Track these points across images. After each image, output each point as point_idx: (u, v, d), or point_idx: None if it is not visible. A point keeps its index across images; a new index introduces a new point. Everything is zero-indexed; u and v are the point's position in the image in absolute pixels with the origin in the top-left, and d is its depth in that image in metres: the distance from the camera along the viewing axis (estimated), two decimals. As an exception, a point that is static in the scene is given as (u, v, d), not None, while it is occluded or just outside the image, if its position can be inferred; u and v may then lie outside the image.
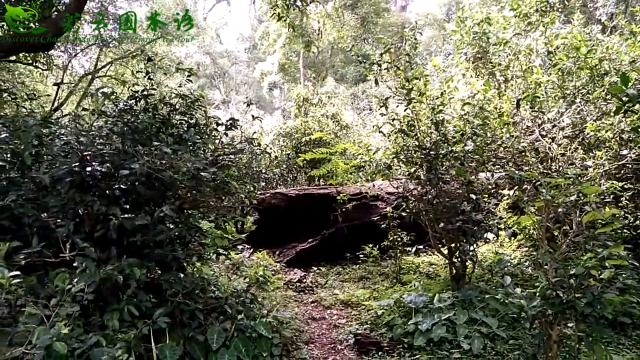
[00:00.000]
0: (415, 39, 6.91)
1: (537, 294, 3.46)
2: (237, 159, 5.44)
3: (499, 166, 6.13)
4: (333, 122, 13.60)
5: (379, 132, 6.77)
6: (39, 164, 4.52)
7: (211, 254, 5.32)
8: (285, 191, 9.93)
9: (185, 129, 5.54)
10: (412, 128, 6.06)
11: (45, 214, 4.26)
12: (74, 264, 3.91)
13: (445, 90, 6.25)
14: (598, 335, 3.58)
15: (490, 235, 6.72)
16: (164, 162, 4.27)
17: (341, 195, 8.25)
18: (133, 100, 5.58)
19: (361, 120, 16.08)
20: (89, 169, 4.31)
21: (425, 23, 31.75)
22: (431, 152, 5.56)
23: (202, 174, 4.21)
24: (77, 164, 4.30)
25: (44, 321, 3.01)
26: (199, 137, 5.04)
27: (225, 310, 4.91)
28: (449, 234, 5.76)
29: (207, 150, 5.12)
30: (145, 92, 5.50)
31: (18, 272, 2.88)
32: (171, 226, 4.71)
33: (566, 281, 3.35)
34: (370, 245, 8.21)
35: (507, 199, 6.86)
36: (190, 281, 4.87)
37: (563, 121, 6.15)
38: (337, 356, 5.11)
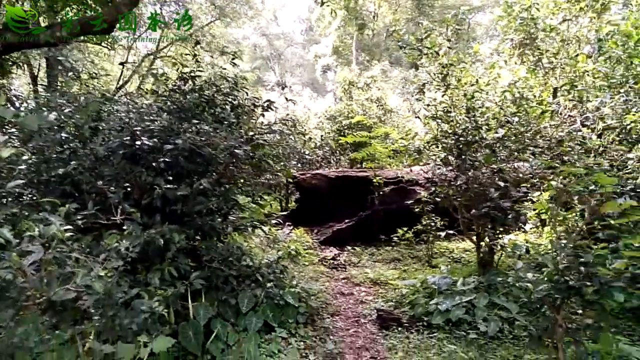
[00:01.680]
0: (457, 24, 6.90)
1: (545, 278, 3.56)
2: (271, 139, 5.74)
3: (535, 154, 6.09)
4: (377, 106, 13.69)
5: (416, 117, 6.88)
6: (96, 137, 5.05)
7: (247, 227, 5.73)
8: (325, 172, 10.22)
9: (229, 109, 5.93)
10: (447, 114, 6.13)
11: (100, 182, 4.77)
12: (124, 227, 4.39)
13: (479, 77, 6.24)
14: (606, 324, 3.62)
15: (528, 226, 6.70)
16: (203, 139, 4.65)
17: (377, 178, 8.42)
18: (182, 81, 6.03)
19: (407, 105, 16.01)
20: (138, 142, 4.76)
21: (484, 5, 30.50)
22: (460, 139, 5.63)
23: (236, 151, 4.55)
24: (128, 138, 4.78)
25: (91, 270, 3.47)
26: (235, 118, 5.38)
27: (257, 279, 5.31)
28: (477, 220, 5.84)
29: (243, 130, 5.47)
30: (193, 74, 5.91)
31: (70, 227, 3.29)
32: (211, 198, 5.13)
33: (575, 267, 3.43)
34: (405, 229, 8.36)
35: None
36: (226, 250, 5.31)
37: (604, 111, 6.00)
38: (360, 329, 5.40)
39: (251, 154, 5.37)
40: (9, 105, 7.75)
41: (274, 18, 46.39)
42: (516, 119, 5.69)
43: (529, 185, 5.94)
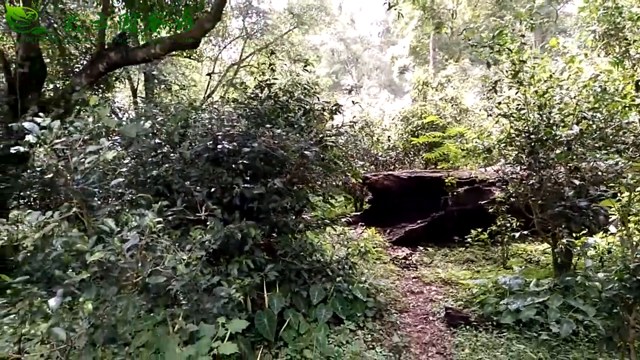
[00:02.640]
0: (532, 19, 6.72)
1: (615, 277, 3.46)
2: (339, 141, 6.02)
3: (620, 152, 5.76)
4: (452, 106, 13.46)
5: (488, 116, 6.79)
6: (185, 142, 5.65)
7: (319, 225, 6.06)
8: (397, 173, 10.30)
9: (301, 114, 6.31)
10: (519, 112, 6.01)
11: (187, 182, 5.34)
12: (207, 223, 4.89)
13: (554, 73, 6.02)
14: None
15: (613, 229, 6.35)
16: (277, 142, 5.04)
17: (449, 178, 8.36)
18: (259, 89, 6.52)
19: (482, 104, 15.54)
20: (220, 146, 5.26)
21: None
22: (532, 136, 5.50)
23: (306, 152, 4.88)
24: (211, 142, 5.30)
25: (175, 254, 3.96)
26: (305, 122, 5.72)
27: (327, 273, 5.61)
28: (552, 220, 5.65)
29: (312, 133, 5.80)
30: (268, 82, 6.37)
31: (161, 220, 3.77)
32: (284, 197, 5.52)
33: (648, 267, 3.31)
34: (479, 230, 8.23)
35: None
36: (299, 245, 5.67)
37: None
38: (427, 326, 5.49)
39: (321, 155, 5.70)
40: (113, 116, 8.75)
41: (351, 22, 46.93)
42: (598, 114, 5.43)
43: (609, 184, 5.65)
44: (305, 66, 6.59)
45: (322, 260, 5.80)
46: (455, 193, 8.84)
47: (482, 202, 7.51)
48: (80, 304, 2.58)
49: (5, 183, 6.51)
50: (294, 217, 5.67)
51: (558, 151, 5.33)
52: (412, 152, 13.24)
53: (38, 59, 7.43)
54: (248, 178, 5.36)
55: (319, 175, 5.88)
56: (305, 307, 5.22)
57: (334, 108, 5.86)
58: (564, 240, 5.62)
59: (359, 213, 10.97)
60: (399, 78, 39.34)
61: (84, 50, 9.95)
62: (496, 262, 7.71)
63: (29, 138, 2.76)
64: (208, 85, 21.33)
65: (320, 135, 5.52)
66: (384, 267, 7.53)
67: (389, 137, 13.63)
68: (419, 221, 9.44)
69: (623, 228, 3.84)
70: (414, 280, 7.21)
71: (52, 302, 2.47)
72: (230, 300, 4.16)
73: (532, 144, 5.55)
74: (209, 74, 21.66)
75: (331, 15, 24.95)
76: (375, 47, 50.66)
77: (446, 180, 8.72)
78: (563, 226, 5.45)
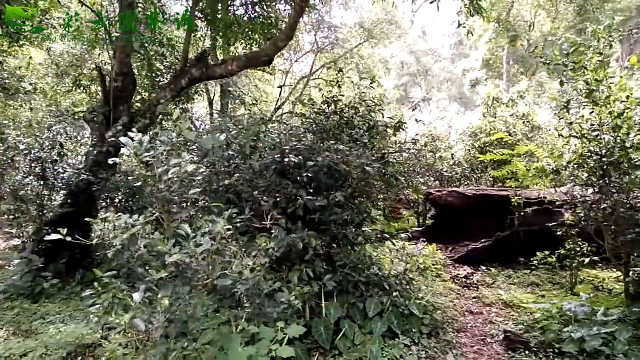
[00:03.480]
0: (611, 35, 6.48)
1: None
2: (400, 157, 6.12)
3: None
4: (524, 122, 13.00)
5: (559, 136, 6.60)
6: (255, 154, 6.04)
7: (379, 239, 6.20)
8: (462, 190, 10.12)
9: (365, 129, 6.51)
10: (590, 133, 5.80)
11: (256, 192, 5.70)
12: (272, 232, 5.20)
13: (632, 93, 5.74)
14: None
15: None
16: (339, 157, 5.27)
17: (516, 198, 8.13)
18: (326, 105, 6.81)
19: (555, 123, 14.85)
20: (286, 159, 5.57)
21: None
22: (603, 159, 5.28)
23: (367, 168, 5.05)
24: (278, 155, 5.63)
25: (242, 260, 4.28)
26: (369, 138, 5.90)
27: (385, 287, 5.72)
28: (624, 247, 5.38)
29: (375, 148, 5.96)
30: (335, 99, 6.64)
31: (230, 227, 4.10)
32: (346, 210, 5.72)
33: None
34: (547, 252, 7.91)
35: None
36: (357, 258, 5.84)
37: None
38: (485, 348, 5.41)
39: (383, 170, 5.85)
40: (192, 128, 9.41)
41: (422, 35, 46.53)
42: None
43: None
44: (372, 83, 6.78)
45: (379, 274, 5.92)
46: (522, 213, 8.58)
47: (551, 225, 7.23)
48: (158, 299, 2.92)
49: (97, 186, 7.29)
50: (354, 230, 5.84)
51: (634, 176, 5.09)
52: (479, 169, 12.95)
53: (130, 74, 8.25)
54: (311, 190, 5.61)
55: (380, 190, 6.02)
56: (362, 319, 5.36)
57: (397, 125, 6.00)
58: (637, 269, 5.36)
59: (420, 229, 10.91)
60: (470, 91, 38.45)
61: (169, 66, 10.84)
62: (563, 288, 7.38)
63: (124, 151, 3.17)
64: (279, 98, 22.14)
65: (383, 152, 5.67)
66: (443, 285, 7.47)
67: (452, 154, 13.44)
68: (482, 240, 9.23)
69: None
70: (474, 300, 7.09)
71: (136, 296, 2.84)
72: (290, 307, 4.41)
73: (605, 166, 5.33)
74: (280, 87, 22.48)
75: (402, 29, 24.94)
76: (447, 59, 49.86)
77: (513, 200, 8.48)
78: (636, 254, 5.19)
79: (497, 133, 11.91)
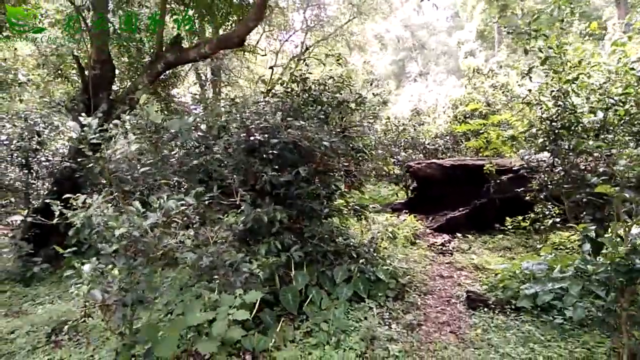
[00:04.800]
0: (571, 3, 6.56)
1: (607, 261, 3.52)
2: (362, 131, 6.29)
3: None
4: (503, 92, 13.04)
5: (522, 103, 6.75)
6: (225, 134, 6.23)
7: (349, 211, 6.44)
8: (440, 161, 10.30)
9: (334, 105, 6.68)
10: (550, 100, 5.94)
11: (226, 171, 5.91)
12: (241, 207, 5.44)
13: (584, 58, 5.86)
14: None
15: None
16: (299, 133, 5.46)
17: (488, 166, 8.29)
18: (295, 83, 6.96)
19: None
20: (252, 138, 5.78)
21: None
22: (553, 124, 5.44)
23: (324, 143, 5.25)
24: (244, 134, 5.83)
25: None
26: (327, 113, 6.06)
27: (353, 255, 5.98)
28: (578, 208, 5.58)
29: (336, 125, 6.14)
30: (302, 77, 6.78)
31: (192, 203, 4.32)
32: (311, 184, 5.93)
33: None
34: (520, 218, 8.13)
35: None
36: (326, 229, 6.08)
37: None
38: (448, 307, 5.69)
39: (350, 145, 6.04)
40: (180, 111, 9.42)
41: (418, 8, 45.83)
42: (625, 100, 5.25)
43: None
44: (337, 60, 6.91)
45: (350, 243, 6.17)
46: (498, 181, 8.76)
47: (519, 190, 7.42)
48: (107, 270, 3.18)
49: (80, 172, 7.53)
50: (321, 203, 6.06)
51: (580, 138, 5.26)
52: (461, 141, 13.09)
53: (108, 61, 8.39)
54: (277, 167, 5.82)
55: (349, 164, 6.21)
56: (330, 286, 5.64)
57: (358, 100, 6.16)
58: (591, 228, 5.55)
59: (403, 201, 11.13)
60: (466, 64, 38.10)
61: (148, 52, 10.93)
62: (535, 250, 7.63)
63: (72, 134, 3.38)
64: (271, 78, 22.18)
65: (343, 127, 5.85)
66: (419, 253, 7.73)
67: (435, 127, 13.59)
68: (460, 209, 9.45)
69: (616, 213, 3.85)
70: (446, 265, 7.36)
71: (86, 267, 3.10)
72: (252, 275, 4.67)
73: (556, 130, 5.50)
74: (270, 67, 22.48)
75: (390, 2, 24.68)
76: (443, 32, 49.22)
77: (484, 168, 8.65)
78: (586, 214, 5.38)
79: (470, 103, 12.00)
